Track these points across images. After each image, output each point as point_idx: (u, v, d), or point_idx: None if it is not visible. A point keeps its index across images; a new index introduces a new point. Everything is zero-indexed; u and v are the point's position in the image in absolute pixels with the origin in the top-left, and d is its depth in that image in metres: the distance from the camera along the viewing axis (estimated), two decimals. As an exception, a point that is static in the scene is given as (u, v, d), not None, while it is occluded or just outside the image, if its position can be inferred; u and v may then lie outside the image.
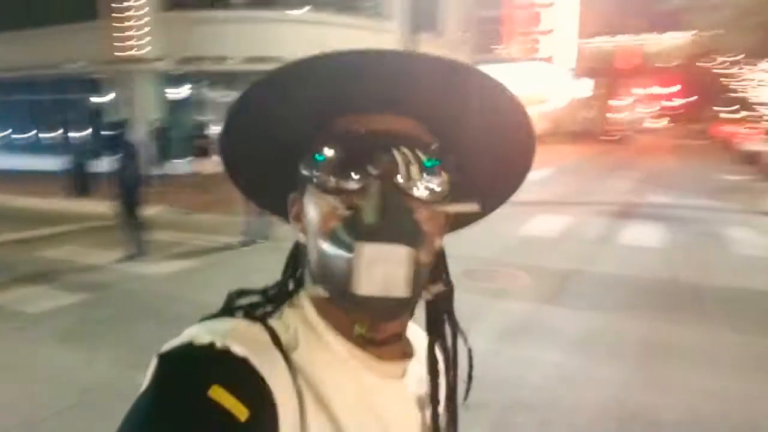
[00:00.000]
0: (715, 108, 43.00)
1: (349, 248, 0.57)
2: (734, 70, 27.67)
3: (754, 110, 29.74)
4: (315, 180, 0.63)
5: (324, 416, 0.59)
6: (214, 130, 16.19)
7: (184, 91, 16.43)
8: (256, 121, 0.65)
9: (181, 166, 14.17)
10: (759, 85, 25.03)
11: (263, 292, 0.69)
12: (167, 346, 0.56)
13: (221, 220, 9.53)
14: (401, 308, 0.60)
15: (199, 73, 15.82)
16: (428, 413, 0.70)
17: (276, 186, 0.72)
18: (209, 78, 15.95)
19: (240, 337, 0.57)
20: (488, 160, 0.70)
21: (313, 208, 0.63)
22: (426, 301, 0.70)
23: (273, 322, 0.63)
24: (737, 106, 31.72)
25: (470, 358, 0.74)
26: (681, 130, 45.50)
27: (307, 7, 16.09)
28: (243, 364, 0.54)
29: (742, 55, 20.65)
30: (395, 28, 16.72)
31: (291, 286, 0.70)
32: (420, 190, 0.63)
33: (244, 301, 0.67)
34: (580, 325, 5.03)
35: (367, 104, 0.62)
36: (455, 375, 0.73)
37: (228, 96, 16.18)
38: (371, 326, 0.63)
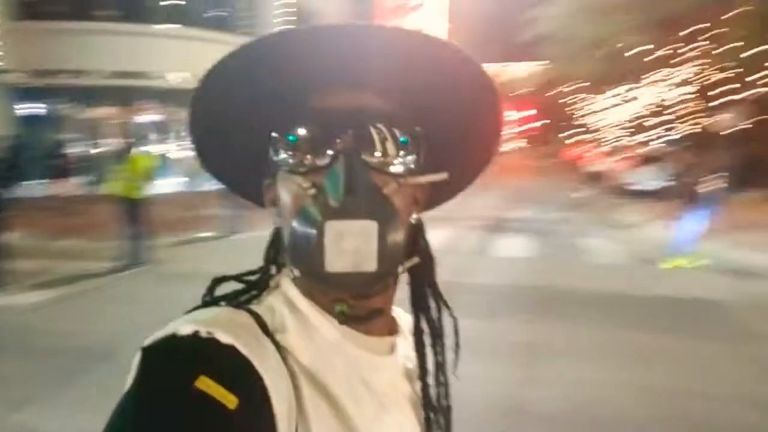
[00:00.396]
0: (564, 132, 47.30)
1: (316, 226, 0.56)
2: (580, 97, 30.76)
3: (595, 134, 33.11)
4: (284, 162, 0.62)
5: (320, 395, 0.59)
6: (74, 149, 15.06)
7: (39, 108, 15.14)
8: (222, 104, 0.64)
9: (36, 188, 13.00)
10: (600, 111, 28.02)
11: (245, 278, 0.68)
12: (150, 340, 0.54)
13: (87, 246, 8.91)
14: (373, 283, 0.59)
15: (56, 88, 14.66)
16: (418, 387, 0.70)
17: (250, 172, 0.71)
18: (69, 93, 14.85)
19: (225, 325, 0.56)
20: (456, 130, 0.70)
21: (284, 191, 0.63)
22: (410, 275, 0.70)
23: (257, 307, 0.63)
24: (581, 130, 35.09)
25: (456, 327, 0.74)
26: (536, 152, 49.44)
27: (178, 24, 15.57)
28: (230, 351, 0.53)
29: (587, 84, 23.03)
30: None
31: (272, 270, 0.69)
32: (391, 166, 0.63)
33: (225, 288, 0.66)
34: (461, 332, 5.33)
35: (333, 80, 0.62)
36: (443, 346, 0.73)
37: (88, 113, 15.13)
38: (352, 303, 0.62)
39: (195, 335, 0.53)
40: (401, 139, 0.63)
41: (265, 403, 0.52)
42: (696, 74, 17.74)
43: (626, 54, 16.25)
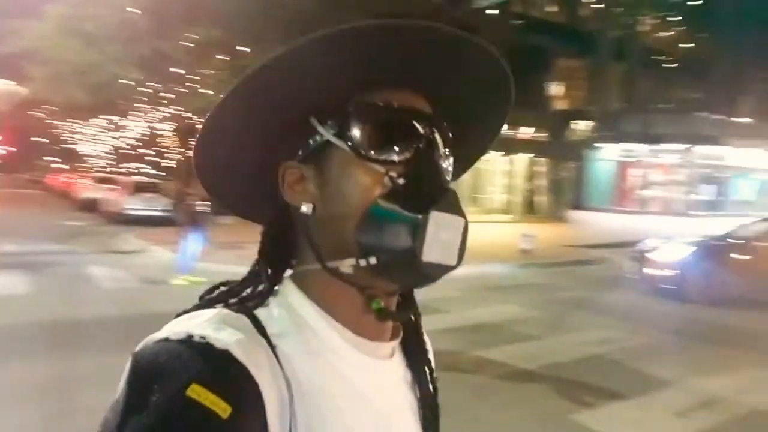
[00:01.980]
0: (46, 158, 43.41)
1: (420, 215, 0.56)
2: (65, 122, 28.98)
3: (85, 161, 31.86)
4: (359, 149, 0.60)
5: (317, 403, 0.58)
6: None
7: None
8: (258, 92, 0.60)
9: None
10: (90, 138, 27.12)
11: (244, 279, 0.66)
12: (142, 344, 0.53)
13: None
14: (442, 276, 0.60)
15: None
16: (417, 391, 0.70)
17: (245, 166, 0.67)
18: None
19: (220, 328, 0.54)
20: (473, 130, 0.73)
21: (350, 176, 0.61)
22: None
23: (258, 310, 0.61)
24: (68, 156, 33.17)
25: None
26: (10, 180, 43.72)
27: None
28: (224, 356, 0.51)
29: (72, 110, 22.01)
30: None
31: (271, 268, 0.65)
32: (449, 167, 0.67)
33: (224, 290, 0.65)
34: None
35: (390, 80, 0.62)
36: (424, 342, 0.76)
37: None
38: (386, 300, 0.63)
39: (189, 339, 0.52)
40: (449, 142, 0.66)
41: (259, 410, 0.51)
42: (175, 112, 19.44)
43: (117, 84, 16.41)
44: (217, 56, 16.03)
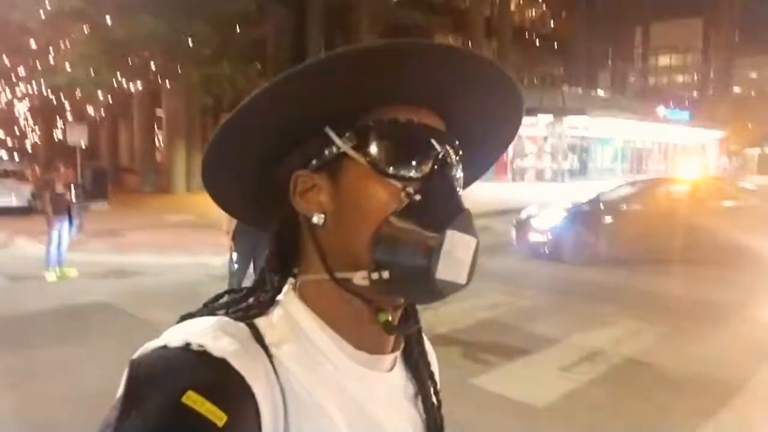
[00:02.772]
0: None
1: (437, 233, 0.57)
2: None
3: None
4: (376, 163, 0.61)
5: (312, 414, 0.58)
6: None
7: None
8: (275, 102, 0.61)
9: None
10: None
11: (249, 288, 0.66)
12: (140, 351, 0.53)
13: None
14: (451, 295, 0.61)
15: None
16: (419, 403, 0.70)
17: (248, 176, 0.68)
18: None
19: (218, 336, 0.55)
20: (480, 149, 0.74)
21: (365, 189, 0.61)
22: None
23: (257, 319, 0.61)
24: None
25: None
26: None
27: None
28: (221, 364, 0.52)
29: None
30: None
31: (276, 279, 0.65)
32: (462, 186, 0.68)
33: (225, 298, 0.65)
34: None
35: (409, 97, 0.63)
36: (426, 353, 0.76)
37: None
38: (393, 313, 0.63)
39: (186, 347, 0.52)
40: (460, 160, 0.67)
41: (255, 419, 0.52)
42: (25, 93, 17.76)
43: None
44: (81, 29, 14.67)
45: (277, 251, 0.67)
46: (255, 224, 0.76)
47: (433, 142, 0.63)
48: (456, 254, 0.58)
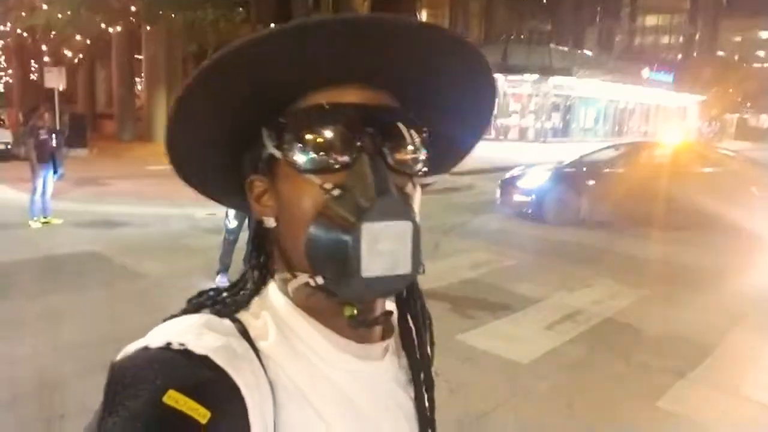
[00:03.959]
0: None
1: (351, 229, 0.53)
2: None
3: None
4: (291, 159, 0.58)
5: (301, 407, 0.57)
6: None
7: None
8: (207, 102, 0.57)
9: None
10: None
11: (233, 284, 0.66)
12: (121, 353, 0.52)
13: None
14: (403, 285, 0.59)
15: None
16: (411, 390, 0.68)
17: (220, 170, 0.65)
18: None
19: (201, 333, 0.54)
20: (449, 120, 0.68)
21: (292, 190, 0.58)
22: None
23: (241, 314, 0.61)
24: None
25: (430, 325, 0.74)
26: None
27: None
28: (203, 361, 0.51)
29: None
30: None
31: (256, 275, 0.65)
32: (407, 165, 0.61)
33: (211, 294, 0.64)
34: None
35: (341, 76, 0.58)
36: (432, 343, 0.73)
37: None
38: (360, 307, 0.60)
39: (167, 346, 0.52)
40: (415, 137, 0.61)
41: (240, 414, 0.51)
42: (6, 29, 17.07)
43: None
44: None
45: (254, 248, 0.66)
46: (240, 209, 0.72)
47: (355, 123, 0.58)
48: (381, 246, 0.53)
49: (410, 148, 0.61)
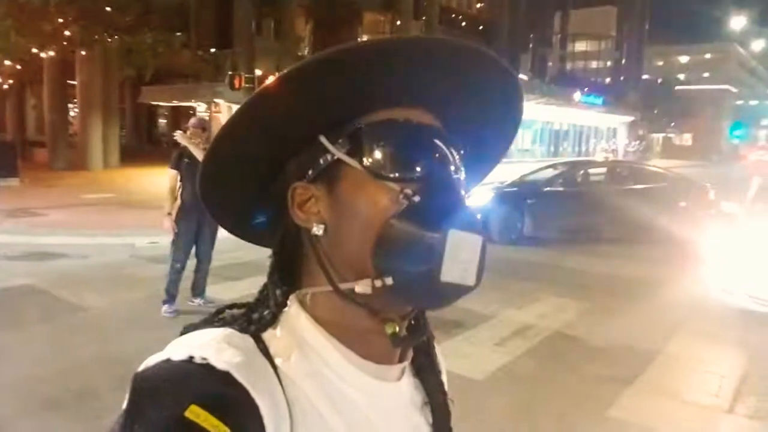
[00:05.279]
0: None
1: (438, 232, 0.54)
2: None
3: None
4: (371, 167, 0.59)
5: (316, 424, 0.57)
6: None
7: None
8: (265, 112, 0.60)
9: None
10: None
11: (254, 301, 0.65)
12: (144, 365, 0.53)
13: None
14: (460, 297, 0.59)
15: None
16: (427, 412, 0.69)
17: (251, 186, 0.66)
18: None
19: (222, 349, 0.54)
20: (478, 139, 0.70)
21: (364, 195, 0.59)
22: None
23: (263, 333, 0.60)
24: None
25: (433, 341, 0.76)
26: None
27: None
28: (225, 377, 0.51)
29: None
30: None
31: (279, 291, 0.63)
32: (465, 188, 0.65)
33: (232, 311, 0.64)
34: None
35: (402, 96, 0.62)
36: (437, 363, 0.74)
37: None
38: (400, 324, 0.61)
39: (189, 360, 0.52)
40: (457, 158, 0.65)
41: None
42: None
43: None
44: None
45: (279, 266, 0.66)
46: (253, 241, 0.74)
47: (431, 140, 0.62)
48: (460, 254, 0.55)
49: (462, 168, 0.65)
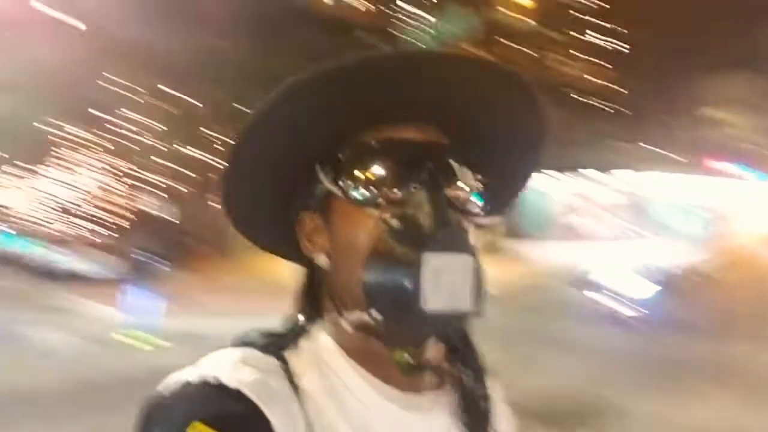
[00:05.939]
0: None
1: (412, 260, 0.52)
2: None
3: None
4: (350, 193, 0.58)
5: None
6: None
7: None
8: (261, 144, 0.60)
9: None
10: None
11: (278, 328, 0.64)
12: (162, 384, 0.55)
13: None
14: (461, 324, 0.57)
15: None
16: None
17: (273, 214, 0.65)
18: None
19: (238, 368, 0.54)
20: (501, 158, 0.67)
21: (349, 224, 0.58)
22: None
23: (287, 353, 0.59)
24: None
25: (484, 377, 0.68)
26: None
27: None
28: (234, 395, 0.51)
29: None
30: None
31: (304, 318, 0.63)
32: (463, 202, 0.60)
33: (257, 333, 0.62)
34: None
35: (394, 114, 0.59)
36: (487, 397, 0.67)
37: None
38: (413, 351, 0.57)
39: (203, 380, 0.53)
40: (467, 175, 0.61)
41: None
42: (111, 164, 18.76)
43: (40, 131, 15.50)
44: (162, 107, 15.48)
45: (303, 292, 0.65)
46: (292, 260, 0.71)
47: (416, 159, 0.58)
48: (443, 279, 0.52)
49: (464, 185, 0.61)
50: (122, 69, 14.48)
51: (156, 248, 13.38)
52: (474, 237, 0.60)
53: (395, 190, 0.58)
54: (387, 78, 0.56)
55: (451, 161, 0.60)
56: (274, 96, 0.56)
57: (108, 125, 15.81)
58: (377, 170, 0.58)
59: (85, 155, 18.87)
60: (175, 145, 15.67)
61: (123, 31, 13.88)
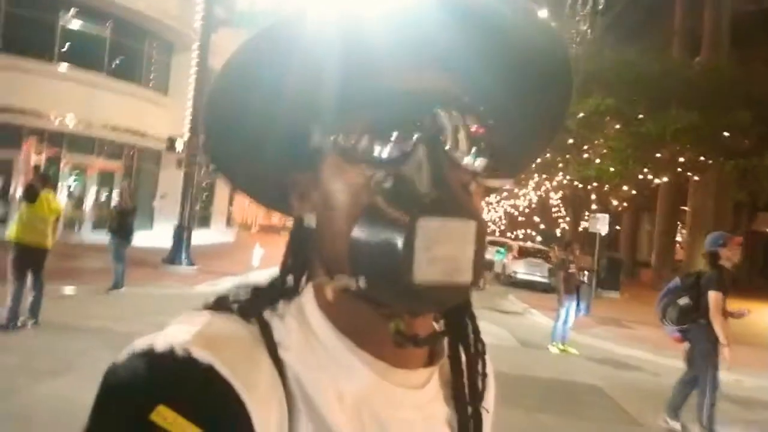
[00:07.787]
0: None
1: (403, 226, 0.45)
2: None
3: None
4: (340, 149, 0.51)
5: (317, 423, 0.50)
6: None
7: None
8: (247, 89, 0.53)
9: None
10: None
11: (261, 289, 0.57)
12: (123, 352, 0.46)
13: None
14: (460, 298, 0.51)
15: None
16: (455, 424, 0.60)
17: (271, 170, 0.59)
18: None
19: (211, 339, 0.47)
20: (521, 114, 0.60)
21: (339, 182, 0.52)
22: None
23: (269, 318, 0.54)
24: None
25: (484, 353, 0.65)
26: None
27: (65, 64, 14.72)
28: (205, 373, 0.44)
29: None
30: (174, 104, 16.27)
31: (290, 279, 0.58)
32: (469, 160, 0.53)
33: (237, 294, 0.56)
34: None
35: (399, 59, 0.52)
36: (484, 376, 0.63)
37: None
38: (408, 320, 0.51)
39: (171, 353, 0.45)
40: (480, 131, 0.53)
41: (242, 431, 0.44)
42: (559, 183, 19.86)
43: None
44: (613, 125, 15.77)
45: (290, 251, 0.59)
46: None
47: (419, 111, 0.51)
48: (439, 247, 0.45)
49: (470, 142, 0.53)
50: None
51: (600, 271, 13.43)
52: (479, 200, 0.55)
53: (389, 145, 0.51)
54: (391, 21, 0.50)
55: (464, 115, 0.53)
56: (252, 37, 0.52)
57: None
58: (373, 122, 0.51)
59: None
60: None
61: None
